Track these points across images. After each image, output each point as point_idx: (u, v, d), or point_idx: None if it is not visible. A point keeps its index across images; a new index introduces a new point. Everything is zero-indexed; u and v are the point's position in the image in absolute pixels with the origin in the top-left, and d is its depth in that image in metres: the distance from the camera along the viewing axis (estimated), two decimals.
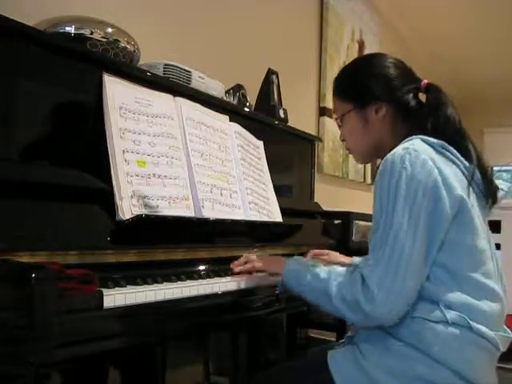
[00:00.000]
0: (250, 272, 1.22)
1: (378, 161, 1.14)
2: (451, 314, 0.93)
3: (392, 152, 0.99)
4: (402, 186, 0.94)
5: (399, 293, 0.91)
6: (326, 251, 1.49)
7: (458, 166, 1.02)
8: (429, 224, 0.94)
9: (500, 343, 0.97)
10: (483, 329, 0.94)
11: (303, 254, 1.50)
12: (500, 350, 0.98)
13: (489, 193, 1.06)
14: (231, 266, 1.23)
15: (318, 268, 1.03)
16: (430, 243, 0.95)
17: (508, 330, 1.03)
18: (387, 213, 0.95)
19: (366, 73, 1.17)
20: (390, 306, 0.91)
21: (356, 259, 1.44)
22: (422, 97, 1.14)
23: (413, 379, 0.92)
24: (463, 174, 1.02)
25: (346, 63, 1.28)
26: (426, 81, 1.14)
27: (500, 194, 1.10)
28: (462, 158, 1.03)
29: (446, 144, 1.03)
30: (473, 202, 1.00)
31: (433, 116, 1.07)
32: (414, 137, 1.03)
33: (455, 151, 1.03)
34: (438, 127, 1.06)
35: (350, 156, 1.27)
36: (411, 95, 1.12)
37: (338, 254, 1.48)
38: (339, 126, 1.23)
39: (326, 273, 1.00)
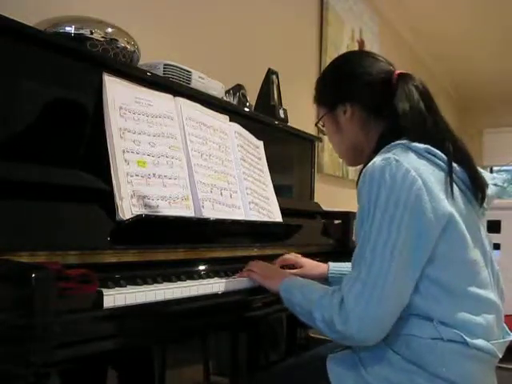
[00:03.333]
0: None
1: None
2: (446, 332, 0.91)
3: (371, 162, 0.94)
4: (380, 200, 0.90)
5: (374, 314, 0.87)
6: (294, 255, 1.40)
7: (444, 170, 0.97)
8: (412, 239, 0.90)
9: (498, 351, 0.96)
10: (481, 343, 0.92)
11: (304, 255, 1.50)
12: (498, 357, 0.97)
13: (476, 189, 1.01)
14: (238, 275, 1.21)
15: (310, 288, 1.01)
16: (416, 258, 0.90)
17: (507, 330, 1.03)
18: (366, 228, 0.91)
19: (331, 76, 1.18)
20: (363, 327, 0.88)
21: (332, 266, 1.37)
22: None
23: None
24: (449, 175, 0.96)
25: None
26: (397, 72, 1.09)
27: (493, 190, 1.06)
28: (445, 158, 0.97)
29: (432, 148, 0.97)
30: (461, 209, 0.96)
31: (399, 110, 1.01)
32: (398, 142, 0.98)
33: (441, 154, 0.97)
34: (406, 122, 1.00)
35: (340, 158, 1.26)
36: (380, 91, 1.07)
37: (309, 260, 1.39)
38: (322, 131, 1.24)
39: (314, 293, 0.98)
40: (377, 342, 0.92)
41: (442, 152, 0.98)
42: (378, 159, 0.94)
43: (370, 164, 0.95)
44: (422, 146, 0.97)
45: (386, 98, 1.05)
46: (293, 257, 1.40)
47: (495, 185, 1.09)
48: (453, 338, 0.91)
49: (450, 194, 0.95)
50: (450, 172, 0.96)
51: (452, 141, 1.01)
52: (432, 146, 0.98)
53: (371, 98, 1.08)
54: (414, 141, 0.98)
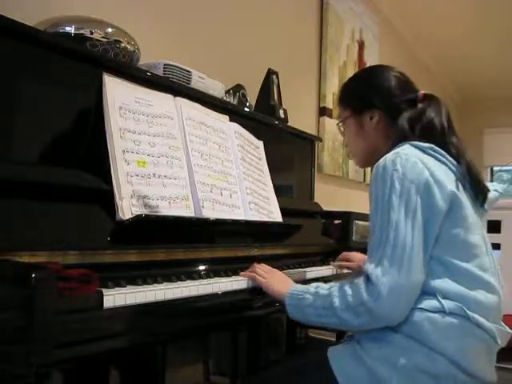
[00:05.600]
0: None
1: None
2: (448, 304, 0.95)
3: (383, 158, 1.03)
4: (395, 185, 0.98)
5: (404, 287, 0.92)
6: (353, 254, 1.59)
7: (447, 165, 1.05)
8: (424, 220, 0.97)
9: (498, 336, 0.98)
10: (480, 319, 0.95)
11: (304, 255, 1.52)
12: (498, 344, 0.99)
13: (478, 192, 1.08)
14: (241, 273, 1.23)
15: (320, 286, 1.04)
16: (427, 238, 0.97)
17: (506, 327, 1.04)
18: (383, 213, 0.98)
19: (365, 82, 1.25)
20: (396, 301, 0.92)
21: None
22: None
23: (412, 370, 0.93)
24: (453, 172, 1.05)
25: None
26: (422, 92, 1.18)
27: (494, 195, 1.13)
28: (450, 159, 1.06)
29: (435, 147, 1.05)
30: (465, 199, 1.03)
31: (417, 120, 1.11)
32: (404, 143, 1.07)
33: (444, 152, 1.06)
34: (422, 130, 1.09)
35: (349, 159, 1.31)
36: (406, 106, 1.15)
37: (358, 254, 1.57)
38: (341, 132, 1.30)
39: (326, 289, 1.02)
40: (403, 318, 0.95)
41: (447, 151, 1.07)
42: (388, 154, 1.03)
43: (381, 160, 1.03)
44: (426, 144, 1.06)
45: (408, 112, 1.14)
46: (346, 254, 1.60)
47: (496, 190, 1.18)
48: (454, 311, 0.95)
49: (455, 186, 1.02)
50: (458, 172, 1.05)
51: (459, 148, 1.09)
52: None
53: (397, 111, 1.15)
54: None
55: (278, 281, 1.17)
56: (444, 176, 1.01)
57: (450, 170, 1.05)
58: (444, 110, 1.13)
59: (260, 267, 1.23)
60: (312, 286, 1.06)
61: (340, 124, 1.29)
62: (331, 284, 1.03)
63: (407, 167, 0.98)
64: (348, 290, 0.97)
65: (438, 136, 1.09)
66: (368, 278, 0.94)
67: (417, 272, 0.94)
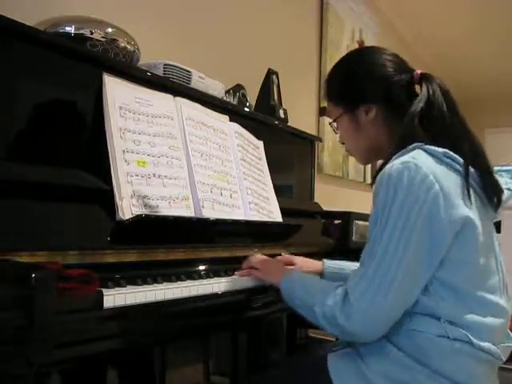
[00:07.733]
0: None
1: (379, 162, 1.13)
2: (453, 331, 0.91)
3: (390, 165, 0.94)
4: (396, 202, 0.90)
5: (378, 311, 0.89)
6: (288, 255, 1.39)
7: (461, 174, 0.97)
8: (425, 242, 0.90)
9: (502, 354, 0.96)
10: (486, 345, 0.92)
11: (304, 255, 1.50)
12: (502, 360, 0.97)
13: (492, 194, 1.02)
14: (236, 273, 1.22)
15: (311, 283, 1.04)
16: (427, 261, 0.91)
17: (511, 335, 1.03)
18: (379, 228, 0.92)
19: (353, 74, 1.13)
20: (366, 323, 0.90)
21: (328, 263, 1.36)
22: (418, 88, 1.08)
23: None
24: (467, 182, 0.96)
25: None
26: (419, 71, 1.08)
27: (508, 193, 1.06)
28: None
29: (450, 152, 0.97)
30: (476, 217, 0.96)
31: (424, 110, 1.01)
32: (415, 145, 0.98)
33: (459, 158, 0.97)
34: (429, 123, 1.00)
35: (350, 156, 1.26)
36: (403, 91, 1.07)
37: (302, 258, 1.37)
38: (334, 129, 1.20)
39: (317, 289, 1.00)
40: (376, 339, 0.93)
41: (460, 155, 0.98)
42: (396, 162, 0.94)
43: (388, 166, 0.94)
44: (440, 149, 0.97)
45: (409, 98, 1.05)
46: (286, 257, 1.38)
47: (509, 189, 1.09)
48: (459, 338, 0.91)
49: (468, 200, 0.95)
50: (466, 177, 0.96)
51: (470, 143, 1.01)
52: (450, 147, 0.98)
53: (395, 99, 1.07)
54: (432, 141, 0.98)
55: (273, 268, 1.20)
56: (455, 191, 0.93)
57: (464, 177, 0.96)
58: (446, 90, 1.03)
59: (255, 259, 1.23)
60: (304, 278, 1.06)
61: (333, 122, 1.19)
62: (321, 284, 1.02)
63: (415, 181, 0.90)
64: (328, 300, 0.94)
65: (448, 131, 1.00)
66: (346, 294, 0.91)
67: (396, 298, 0.89)
